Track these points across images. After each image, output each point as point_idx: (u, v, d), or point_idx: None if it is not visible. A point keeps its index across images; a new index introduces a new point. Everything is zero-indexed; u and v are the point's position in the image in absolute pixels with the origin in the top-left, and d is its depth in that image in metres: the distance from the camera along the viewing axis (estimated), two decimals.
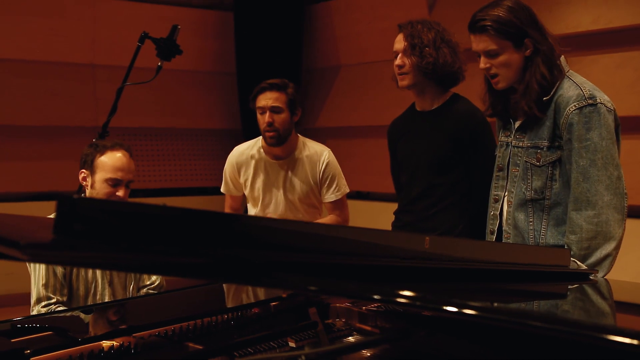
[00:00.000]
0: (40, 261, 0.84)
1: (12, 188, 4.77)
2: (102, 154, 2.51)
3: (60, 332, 1.53)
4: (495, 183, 2.35)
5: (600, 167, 2.05)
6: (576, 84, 2.13)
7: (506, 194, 2.30)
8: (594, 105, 2.07)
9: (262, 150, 3.18)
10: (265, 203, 3.20)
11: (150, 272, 2.17)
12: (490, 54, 2.18)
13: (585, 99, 2.08)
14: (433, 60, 2.59)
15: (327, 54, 5.62)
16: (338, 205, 3.29)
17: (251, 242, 0.91)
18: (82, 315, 1.90)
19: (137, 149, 5.40)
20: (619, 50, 3.96)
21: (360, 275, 1.07)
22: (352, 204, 5.65)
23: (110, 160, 2.50)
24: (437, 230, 2.65)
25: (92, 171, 2.52)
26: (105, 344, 1.53)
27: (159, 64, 3.22)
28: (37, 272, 2.41)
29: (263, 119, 3.07)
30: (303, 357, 0.97)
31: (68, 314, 2.12)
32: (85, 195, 2.58)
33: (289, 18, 5.41)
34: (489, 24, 2.14)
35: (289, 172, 3.17)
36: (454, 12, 4.31)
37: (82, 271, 2.47)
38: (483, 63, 2.20)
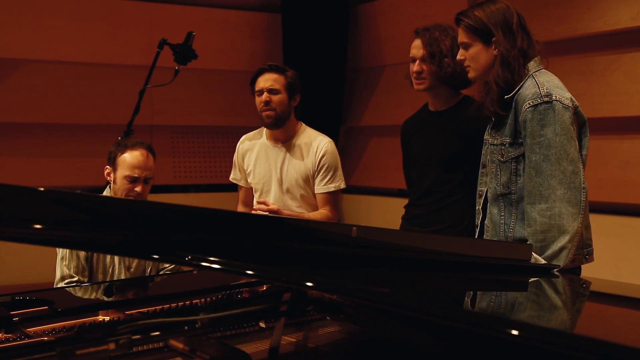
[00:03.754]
0: None
1: (72, 182, 5.11)
2: (122, 152, 2.70)
3: (60, 305, 1.72)
4: (480, 179, 2.45)
5: (553, 162, 2.11)
6: (536, 83, 2.20)
7: (487, 190, 2.38)
8: (549, 102, 2.14)
9: (265, 135, 3.17)
10: (265, 191, 3.15)
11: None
12: (463, 46, 2.35)
13: (542, 96, 2.15)
14: (451, 70, 2.70)
15: (371, 54, 5.70)
16: (329, 200, 3.09)
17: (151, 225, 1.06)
18: (90, 290, 2.11)
19: (195, 147, 5.71)
20: None
21: (277, 259, 1.19)
22: (395, 201, 5.74)
23: (129, 158, 2.68)
24: (444, 224, 2.75)
25: (114, 168, 2.72)
26: (100, 318, 1.74)
27: (176, 67, 3.41)
28: (63, 254, 2.64)
29: (260, 100, 3.05)
30: (199, 323, 1.11)
31: (72, 288, 2.34)
32: (109, 189, 2.79)
33: (334, 19, 5.54)
34: (463, 19, 2.32)
35: (287, 158, 3.10)
36: None
37: (102, 257, 2.67)
38: (459, 54, 2.39)
